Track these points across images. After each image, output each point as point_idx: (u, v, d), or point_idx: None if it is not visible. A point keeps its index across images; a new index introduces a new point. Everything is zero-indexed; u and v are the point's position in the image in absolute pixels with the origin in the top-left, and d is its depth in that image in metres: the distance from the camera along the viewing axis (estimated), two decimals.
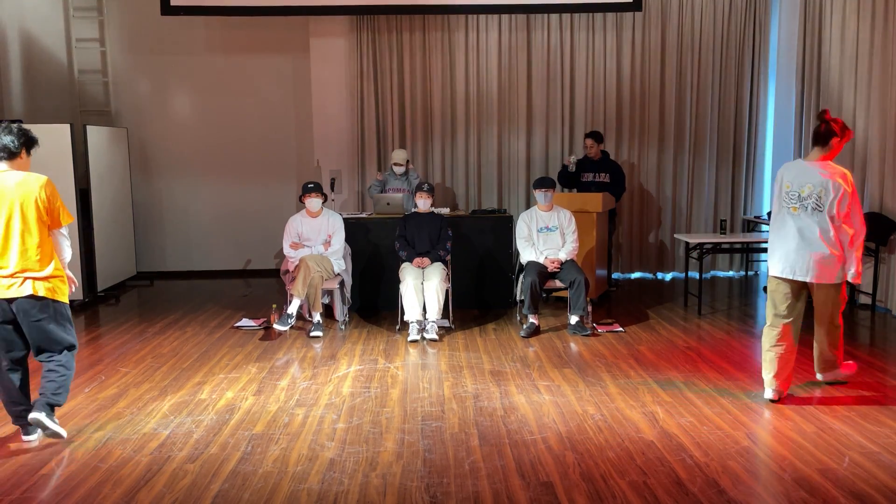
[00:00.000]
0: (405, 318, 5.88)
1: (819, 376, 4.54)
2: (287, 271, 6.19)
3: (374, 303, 6.89)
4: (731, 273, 8.66)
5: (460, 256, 6.77)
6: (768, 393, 4.28)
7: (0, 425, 4.05)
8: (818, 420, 3.99)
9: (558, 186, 7.10)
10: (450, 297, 6.14)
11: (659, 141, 8.40)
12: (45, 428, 3.73)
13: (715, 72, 8.29)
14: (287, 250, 6.16)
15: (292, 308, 5.89)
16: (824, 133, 4.17)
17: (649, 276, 8.57)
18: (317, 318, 5.99)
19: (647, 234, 8.57)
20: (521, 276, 6.10)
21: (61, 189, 6.82)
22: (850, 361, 4.62)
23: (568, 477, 3.35)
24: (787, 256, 4.19)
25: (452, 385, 4.68)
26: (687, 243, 7.12)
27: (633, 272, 8.59)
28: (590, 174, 7.36)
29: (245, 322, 6.38)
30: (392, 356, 5.36)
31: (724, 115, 8.37)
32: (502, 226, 6.88)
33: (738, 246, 7.46)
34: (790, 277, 4.18)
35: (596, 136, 7.41)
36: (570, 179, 7.44)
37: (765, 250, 8.00)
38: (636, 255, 8.57)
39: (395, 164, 7.32)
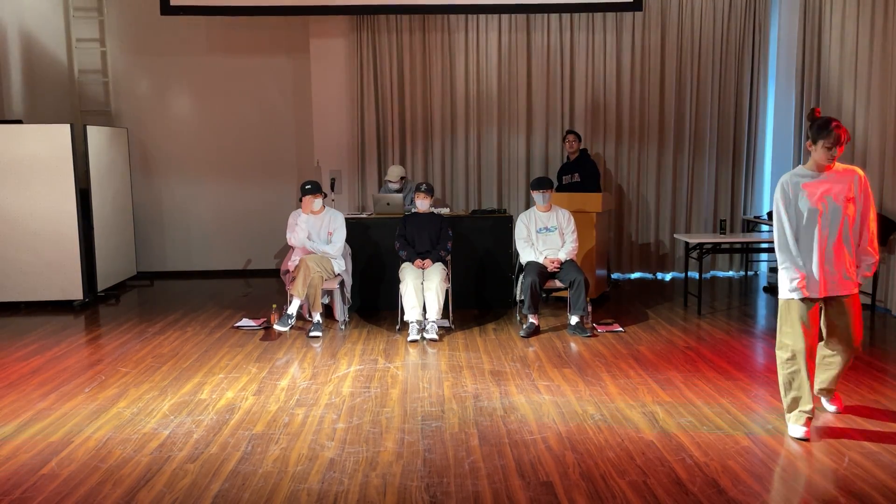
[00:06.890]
0: (405, 318, 5.88)
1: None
2: (287, 271, 6.19)
3: (374, 303, 6.89)
4: (731, 273, 8.67)
5: (460, 256, 6.77)
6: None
7: (0, 425, 4.05)
8: (818, 420, 3.99)
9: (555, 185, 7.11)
10: (450, 297, 6.14)
11: (659, 141, 8.40)
12: None
13: (715, 72, 8.29)
14: (289, 236, 6.16)
15: (292, 308, 5.90)
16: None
17: (649, 276, 8.57)
18: (317, 318, 5.99)
19: (647, 235, 8.57)
20: (521, 277, 6.10)
21: (61, 188, 6.88)
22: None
23: (568, 477, 3.35)
24: None
25: (452, 385, 4.68)
26: (687, 243, 7.12)
27: (633, 272, 8.60)
28: (566, 176, 7.41)
29: (245, 322, 6.38)
30: (392, 356, 5.36)
31: (723, 115, 8.37)
32: (502, 226, 6.88)
33: (737, 246, 7.45)
34: None
35: (577, 134, 7.52)
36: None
37: (764, 250, 8.04)
38: (636, 255, 8.58)
39: (390, 182, 7.29)
